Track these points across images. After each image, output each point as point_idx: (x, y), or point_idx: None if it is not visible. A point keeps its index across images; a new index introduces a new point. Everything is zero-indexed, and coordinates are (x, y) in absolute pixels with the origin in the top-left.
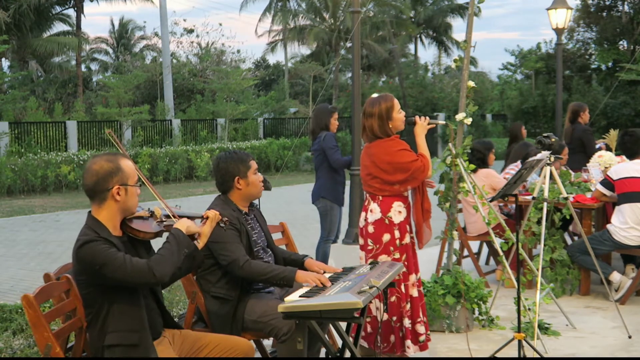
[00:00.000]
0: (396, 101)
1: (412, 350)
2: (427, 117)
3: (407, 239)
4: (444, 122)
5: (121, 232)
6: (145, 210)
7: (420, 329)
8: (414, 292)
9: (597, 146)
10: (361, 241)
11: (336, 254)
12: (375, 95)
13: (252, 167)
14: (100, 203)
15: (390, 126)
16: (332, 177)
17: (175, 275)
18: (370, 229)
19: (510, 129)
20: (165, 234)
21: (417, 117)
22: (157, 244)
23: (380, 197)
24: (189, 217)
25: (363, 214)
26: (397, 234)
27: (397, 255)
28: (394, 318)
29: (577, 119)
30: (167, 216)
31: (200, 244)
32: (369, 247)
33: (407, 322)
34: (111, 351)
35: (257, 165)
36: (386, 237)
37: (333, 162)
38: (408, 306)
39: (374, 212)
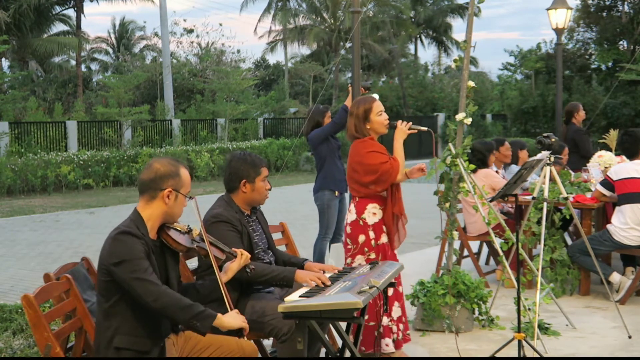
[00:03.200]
0: (377, 104)
1: (390, 347)
2: (410, 123)
3: (383, 239)
4: (426, 129)
5: (156, 236)
6: (185, 225)
7: (394, 327)
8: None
9: None
10: (344, 239)
11: (336, 254)
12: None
13: (262, 174)
14: (148, 200)
15: (368, 127)
16: (331, 169)
17: (162, 314)
18: (348, 229)
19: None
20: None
21: (398, 122)
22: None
23: (357, 199)
24: (220, 249)
25: (347, 213)
26: (372, 234)
27: (372, 256)
28: (366, 317)
29: (572, 119)
30: (202, 239)
31: (224, 278)
32: (348, 247)
33: (385, 321)
34: (119, 353)
35: (267, 173)
36: (361, 237)
37: (330, 131)
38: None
39: (351, 212)
